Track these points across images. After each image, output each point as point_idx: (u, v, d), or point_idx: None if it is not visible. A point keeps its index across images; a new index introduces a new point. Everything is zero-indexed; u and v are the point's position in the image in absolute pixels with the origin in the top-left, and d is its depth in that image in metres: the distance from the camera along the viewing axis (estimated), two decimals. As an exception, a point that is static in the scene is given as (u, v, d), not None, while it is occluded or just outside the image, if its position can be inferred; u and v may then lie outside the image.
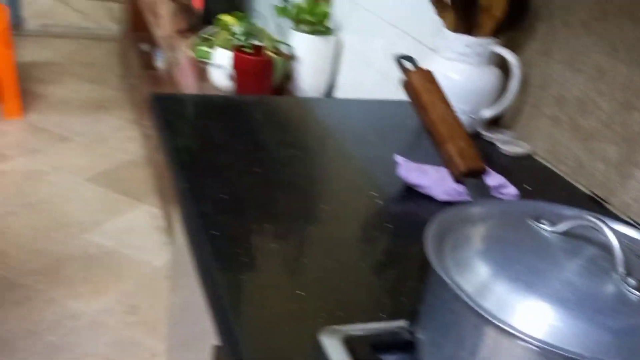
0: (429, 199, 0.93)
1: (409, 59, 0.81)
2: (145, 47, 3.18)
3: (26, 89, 3.34)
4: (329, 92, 1.99)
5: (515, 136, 1.18)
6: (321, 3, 1.90)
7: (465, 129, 0.76)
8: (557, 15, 1.10)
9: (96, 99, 3.43)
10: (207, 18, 2.55)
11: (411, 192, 0.95)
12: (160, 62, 2.81)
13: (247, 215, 0.84)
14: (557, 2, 1.10)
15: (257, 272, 0.73)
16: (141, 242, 2.30)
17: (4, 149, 2.80)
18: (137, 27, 3.42)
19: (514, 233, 0.59)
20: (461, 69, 1.13)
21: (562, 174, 1.09)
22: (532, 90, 1.16)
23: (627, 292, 0.51)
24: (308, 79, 1.92)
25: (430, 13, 1.25)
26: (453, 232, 0.58)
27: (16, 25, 3.94)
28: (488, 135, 1.17)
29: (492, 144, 1.16)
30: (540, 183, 1.07)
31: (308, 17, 1.88)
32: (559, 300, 0.49)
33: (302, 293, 0.70)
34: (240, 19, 2.02)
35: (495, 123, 1.22)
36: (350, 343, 0.60)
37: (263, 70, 1.83)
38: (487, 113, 1.16)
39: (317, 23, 1.88)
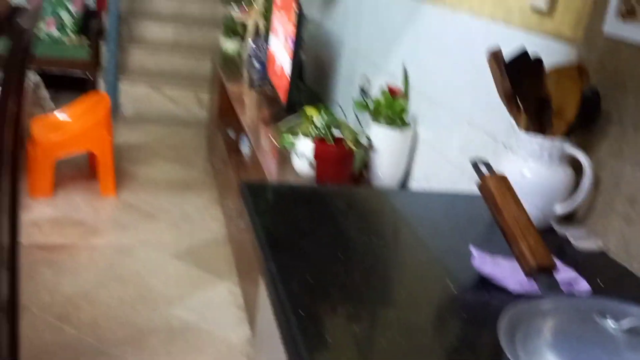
0: (502, 289, 0.98)
1: (485, 163, 0.88)
2: (231, 133, 3.39)
3: (120, 168, 3.61)
4: (404, 182, 2.08)
5: (588, 232, 1.22)
6: (399, 98, 2.02)
7: (537, 227, 0.82)
8: (627, 119, 1.16)
9: (183, 180, 3.66)
10: (291, 108, 2.73)
11: (485, 283, 1.00)
12: (245, 148, 2.99)
13: (331, 298, 0.91)
14: (627, 107, 1.16)
15: (339, 351, 0.80)
16: (220, 318, 2.40)
17: (98, 224, 3.02)
18: (224, 114, 3.65)
19: (581, 328, 0.64)
20: (534, 167, 1.20)
21: (635, 272, 1.12)
22: (604, 188, 1.20)
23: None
24: (385, 169, 2.02)
25: (503, 111, 1.33)
26: (524, 324, 0.64)
27: (114, 110, 4.29)
28: (561, 230, 1.21)
29: (565, 239, 1.20)
30: (612, 280, 1.09)
31: (386, 112, 1.99)
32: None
33: (382, 373, 0.76)
34: (322, 111, 2.16)
35: (568, 219, 1.26)
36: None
37: (343, 160, 1.94)
38: (560, 210, 1.21)
39: (394, 117, 1.99)
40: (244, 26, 4.38)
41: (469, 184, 1.70)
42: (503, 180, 0.84)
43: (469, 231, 1.24)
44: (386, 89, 2.12)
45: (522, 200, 0.92)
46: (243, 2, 4.30)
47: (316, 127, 2.11)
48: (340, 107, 2.59)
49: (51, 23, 4.89)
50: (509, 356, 0.57)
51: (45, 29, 4.88)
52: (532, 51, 1.23)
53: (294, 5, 2.68)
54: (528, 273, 0.76)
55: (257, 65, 3.77)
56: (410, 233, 1.22)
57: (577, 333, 0.63)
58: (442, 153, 1.87)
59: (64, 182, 3.34)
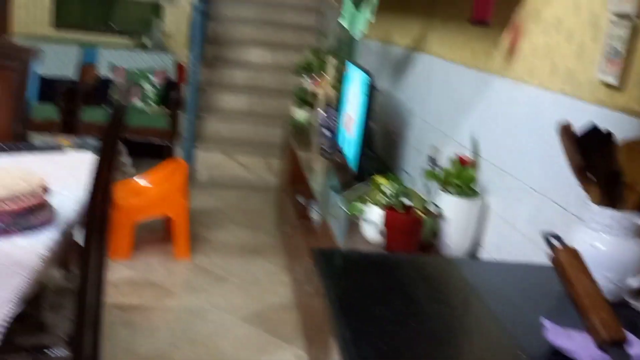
0: (575, 363, 0.98)
1: (556, 236, 0.91)
2: (300, 199, 3.48)
3: (194, 232, 3.74)
4: (473, 251, 2.08)
5: (665, 307, 1.20)
6: (468, 168, 2.06)
7: (609, 300, 0.83)
8: (702, 193, 1.15)
9: (253, 244, 3.75)
10: (360, 176, 2.79)
11: (557, 355, 1.00)
12: (314, 214, 3.06)
13: (403, 365, 0.94)
14: (702, 180, 1.16)
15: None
16: (288, 383, 2.42)
17: (172, 287, 3.12)
18: (294, 181, 3.75)
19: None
20: (606, 240, 1.20)
21: None
22: (681, 262, 1.19)
23: None
24: (454, 237, 2.03)
25: (574, 182, 1.34)
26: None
27: (190, 176, 4.48)
28: (635, 304, 1.20)
29: (638, 313, 1.19)
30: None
31: (455, 181, 2.03)
32: None
33: None
34: (391, 180, 2.21)
35: (643, 292, 1.24)
36: None
37: (412, 228, 1.97)
38: (633, 283, 1.20)
39: (464, 186, 2.02)
40: (315, 96, 4.55)
41: (539, 254, 1.70)
42: (574, 253, 0.86)
43: (540, 302, 1.24)
44: (456, 159, 2.16)
45: (594, 273, 0.93)
46: (314, 73, 4.47)
47: (386, 195, 2.16)
48: (409, 175, 2.63)
49: (135, 94, 5.21)
50: None
51: (129, 100, 5.20)
52: (602, 125, 1.26)
53: (364, 76, 2.79)
54: (600, 346, 0.77)
55: (327, 133, 3.89)
56: (481, 303, 1.23)
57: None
58: (512, 223, 1.88)
59: (141, 244, 3.48)
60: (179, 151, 4.88)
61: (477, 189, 2.05)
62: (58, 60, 5.28)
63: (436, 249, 2.10)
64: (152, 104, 5.21)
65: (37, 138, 2.58)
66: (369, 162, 2.90)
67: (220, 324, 2.82)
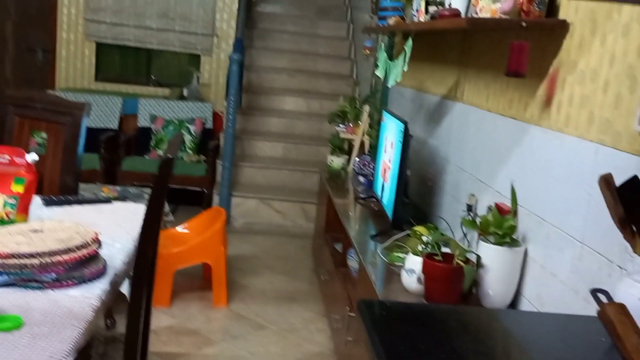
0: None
1: (604, 292, 0.92)
2: (337, 246, 3.51)
3: (231, 279, 3.78)
4: (514, 300, 2.07)
5: None
6: (507, 217, 2.06)
7: (659, 356, 0.84)
8: None
9: (290, 291, 3.77)
10: (396, 223, 2.81)
11: (607, 411, 1.00)
12: (352, 261, 3.07)
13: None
14: None
15: None
16: None
17: (210, 334, 3.15)
18: (331, 227, 3.78)
19: None
20: (652, 292, 1.20)
21: None
22: None
23: None
24: (494, 287, 2.03)
25: (617, 233, 1.34)
26: None
27: (227, 223, 4.54)
28: (685, 357, 1.19)
29: (690, 367, 1.17)
30: None
31: (495, 230, 2.03)
32: None
33: None
34: (430, 229, 2.23)
35: (692, 345, 1.23)
36: None
37: (452, 277, 1.98)
38: (682, 336, 1.19)
39: (503, 235, 2.02)
40: (349, 143, 4.61)
41: (582, 304, 1.69)
42: (623, 309, 0.87)
43: (585, 356, 1.24)
44: (494, 207, 2.17)
45: (642, 328, 0.94)
46: (348, 121, 4.55)
47: (425, 243, 2.17)
48: (446, 222, 2.64)
49: (170, 142, 5.34)
50: None
51: (168, 148, 5.33)
52: (642, 177, 1.27)
53: (399, 124, 2.84)
54: (653, 403, 0.77)
55: (362, 180, 3.93)
56: (524, 356, 1.23)
57: None
58: (553, 272, 1.87)
59: (179, 291, 3.53)
60: (215, 198, 4.96)
61: (517, 238, 2.06)
62: (100, 111, 5.47)
63: (476, 298, 2.09)
64: (190, 152, 5.33)
65: (82, 188, 2.67)
66: (405, 209, 2.92)
67: (259, 372, 2.83)
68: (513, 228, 2.03)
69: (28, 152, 1.89)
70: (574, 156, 1.81)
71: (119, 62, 6.51)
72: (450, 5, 2.59)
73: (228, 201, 4.89)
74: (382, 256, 2.52)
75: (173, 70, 6.50)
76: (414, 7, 3.10)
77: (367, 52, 4.58)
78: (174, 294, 3.44)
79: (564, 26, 1.93)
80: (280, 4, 6.87)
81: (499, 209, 2.13)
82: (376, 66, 3.58)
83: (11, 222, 1.78)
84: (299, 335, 3.22)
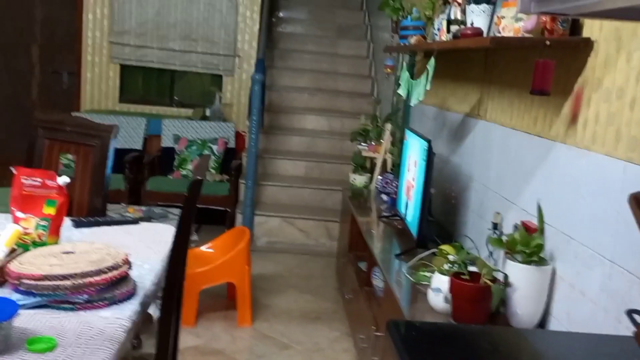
0: None
1: (639, 312, 0.91)
2: (362, 264, 3.50)
3: (255, 298, 3.78)
4: (543, 320, 2.05)
5: None
6: (534, 235, 2.05)
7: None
8: None
9: (314, 310, 3.77)
10: (421, 242, 2.81)
11: None
12: (376, 280, 3.07)
13: None
14: None
15: None
16: None
17: (236, 355, 3.15)
18: (354, 246, 3.78)
19: None
20: (686, 311, 1.18)
21: None
22: None
23: None
24: (522, 306, 2.01)
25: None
26: None
27: (250, 242, 4.56)
28: None
29: None
30: None
31: (522, 248, 2.02)
32: None
33: None
34: (456, 248, 2.22)
35: None
36: None
37: (480, 296, 1.97)
38: None
39: (530, 253, 2.01)
40: (372, 161, 4.62)
41: (613, 324, 1.67)
42: (658, 330, 0.86)
43: (621, 376, 1.22)
44: (520, 225, 2.16)
45: (678, 349, 0.92)
46: (370, 139, 4.56)
47: (451, 262, 2.16)
48: (472, 241, 2.63)
49: (196, 163, 5.40)
50: None
51: (191, 168, 5.39)
52: (674, 195, 1.26)
53: (422, 142, 2.84)
54: None
55: (385, 198, 3.93)
56: (559, 376, 1.22)
57: None
58: (582, 291, 1.85)
59: (204, 311, 3.54)
60: (238, 217, 4.98)
61: (544, 256, 2.04)
62: (124, 132, 5.54)
63: (504, 318, 2.07)
64: (213, 171, 5.37)
65: (108, 208, 2.70)
66: (429, 227, 2.92)
67: (285, 392, 2.82)
68: (540, 246, 2.02)
69: (58, 174, 1.93)
70: (601, 174, 1.80)
71: (143, 84, 6.61)
72: (472, 24, 2.60)
73: (251, 220, 4.91)
74: (407, 275, 2.52)
75: (196, 91, 6.58)
76: (436, 26, 3.12)
77: (389, 70, 4.60)
78: (198, 314, 3.46)
79: (588, 44, 1.93)
80: (300, 24, 6.94)
81: (526, 227, 2.12)
82: (398, 85, 3.60)
83: (43, 244, 1.81)
84: (325, 355, 3.21)
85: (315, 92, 6.15)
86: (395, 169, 4.13)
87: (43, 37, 6.25)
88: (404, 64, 3.88)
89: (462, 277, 2.04)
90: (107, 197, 2.43)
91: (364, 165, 4.59)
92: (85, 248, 1.68)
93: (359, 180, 4.46)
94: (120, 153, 5.24)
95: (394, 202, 3.73)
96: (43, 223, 1.82)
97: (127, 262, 1.65)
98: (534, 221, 2.16)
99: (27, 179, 1.86)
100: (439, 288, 2.14)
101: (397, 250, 2.91)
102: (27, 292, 1.53)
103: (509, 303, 2.05)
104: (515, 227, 2.24)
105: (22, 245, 1.78)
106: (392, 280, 2.50)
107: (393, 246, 3.07)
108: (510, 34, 2.19)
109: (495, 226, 2.50)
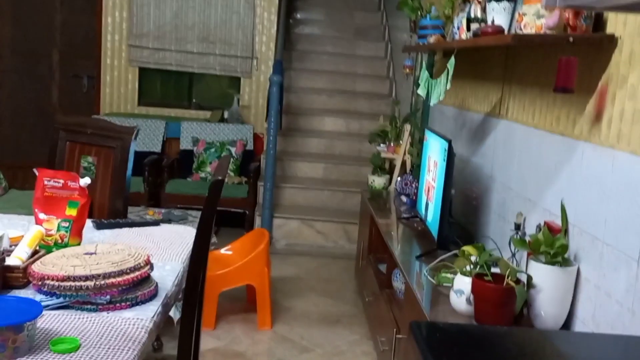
0: None
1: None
2: (381, 266, 3.48)
3: (274, 301, 3.77)
4: (568, 322, 2.02)
5: None
6: (558, 236, 2.02)
7: None
8: None
9: (334, 313, 3.75)
10: (442, 243, 2.78)
11: None
12: (397, 282, 3.04)
13: None
14: None
15: None
16: None
17: (255, 357, 3.15)
18: (374, 248, 3.76)
19: None
20: None
21: None
22: None
23: None
24: (547, 307, 1.98)
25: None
26: None
27: (269, 244, 4.56)
28: None
29: None
30: None
31: (546, 249, 1.99)
32: None
33: None
34: (478, 249, 2.19)
35: None
36: None
37: (504, 298, 1.94)
38: None
39: (554, 254, 1.98)
40: (390, 162, 4.59)
41: (641, 325, 1.63)
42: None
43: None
44: (544, 226, 2.13)
45: None
46: (389, 140, 4.53)
47: (473, 263, 2.14)
48: (494, 242, 2.60)
49: (215, 166, 5.41)
50: None
51: (210, 171, 5.40)
52: None
53: (442, 142, 2.82)
54: None
55: (404, 199, 3.91)
56: (588, 379, 1.20)
57: None
58: (608, 292, 1.82)
59: (224, 313, 3.54)
60: (257, 219, 4.98)
61: (569, 257, 2.01)
62: (144, 135, 5.57)
63: (528, 319, 2.04)
64: (232, 174, 5.38)
65: (128, 210, 2.71)
66: (450, 228, 2.89)
67: (305, 394, 2.81)
68: (565, 247, 1.98)
69: (79, 176, 1.94)
70: (627, 172, 1.77)
71: (161, 87, 6.64)
72: (493, 22, 2.57)
73: (270, 222, 4.91)
74: (428, 277, 2.49)
75: (214, 93, 6.60)
76: (455, 24, 3.09)
77: (407, 70, 4.57)
78: (218, 316, 3.46)
79: (612, 40, 1.89)
80: (318, 25, 6.94)
81: (550, 228, 2.08)
82: (417, 85, 3.57)
83: (65, 245, 1.82)
84: (345, 358, 3.20)
85: (333, 94, 6.14)
86: (415, 170, 4.11)
87: (63, 41, 6.31)
88: (423, 63, 3.86)
89: (485, 278, 2.01)
90: (128, 199, 2.43)
91: (382, 167, 4.57)
92: (107, 249, 1.68)
93: (377, 181, 4.44)
94: (139, 156, 5.27)
95: (413, 204, 3.70)
96: (65, 224, 1.83)
97: (149, 263, 1.65)
98: (557, 221, 2.13)
99: (50, 181, 1.87)
100: (462, 290, 2.11)
101: (418, 251, 2.88)
102: (50, 293, 1.53)
103: (532, 304, 2.01)
104: (539, 227, 2.21)
105: (44, 247, 1.79)
106: (413, 282, 2.48)
107: (413, 248, 3.04)
108: (532, 31, 2.16)
109: (518, 227, 2.46)
